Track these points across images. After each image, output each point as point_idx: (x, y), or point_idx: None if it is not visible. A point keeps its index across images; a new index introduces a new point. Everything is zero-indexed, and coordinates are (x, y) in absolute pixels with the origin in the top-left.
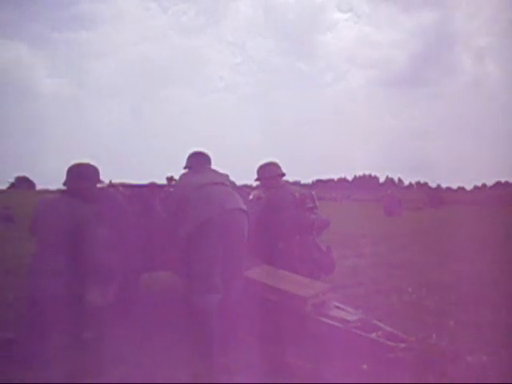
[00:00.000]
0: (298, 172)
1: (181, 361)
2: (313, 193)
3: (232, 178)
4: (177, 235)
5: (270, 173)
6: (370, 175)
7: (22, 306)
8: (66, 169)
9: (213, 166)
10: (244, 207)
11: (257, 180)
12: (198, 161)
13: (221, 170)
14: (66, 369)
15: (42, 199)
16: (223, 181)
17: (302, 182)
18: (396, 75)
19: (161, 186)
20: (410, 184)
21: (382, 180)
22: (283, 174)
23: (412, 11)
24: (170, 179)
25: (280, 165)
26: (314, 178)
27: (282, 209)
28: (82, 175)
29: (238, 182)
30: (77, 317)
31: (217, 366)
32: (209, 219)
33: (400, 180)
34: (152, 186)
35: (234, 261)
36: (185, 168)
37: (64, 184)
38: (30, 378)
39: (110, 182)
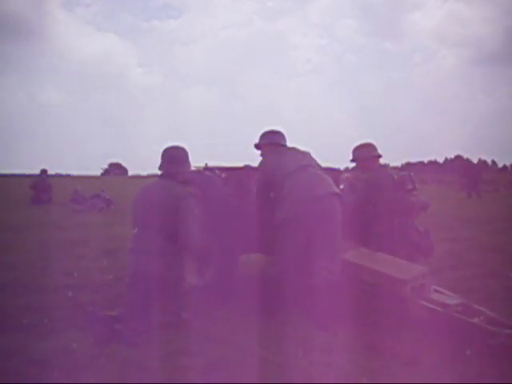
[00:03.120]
0: (386, 154)
1: (276, 341)
2: (412, 174)
3: (320, 162)
4: (270, 219)
5: (366, 154)
6: (461, 157)
7: (122, 286)
8: (156, 155)
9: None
10: (336, 190)
11: (352, 161)
12: (275, 139)
13: (301, 148)
14: (165, 347)
15: (143, 185)
16: (311, 163)
17: (392, 164)
18: (489, 53)
19: (255, 169)
20: (504, 166)
21: (474, 162)
22: (380, 156)
23: None
24: None
25: (376, 146)
26: (404, 161)
27: (380, 190)
28: (174, 158)
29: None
30: (176, 296)
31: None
32: (302, 207)
33: (494, 162)
34: (247, 168)
35: (329, 245)
36: (258, 146)
37: (159, 168)
38: (132, 356)
39: (206, 164)
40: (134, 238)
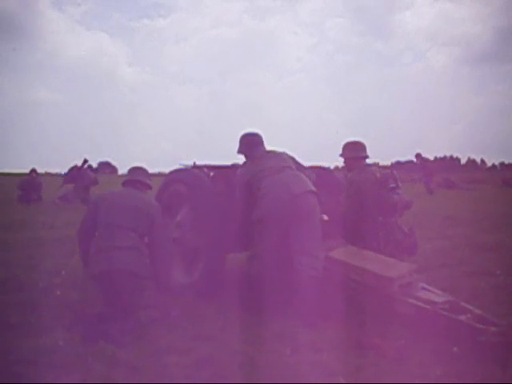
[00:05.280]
0: (376, 153)
1: (265, 339)
2: (395, 172)
3: (310, 161)
4: (249, 219)
5: (354, 153)
6: (451, 156)
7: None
8: (146, 154)
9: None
10: (313, 188)
11: (341, 156)
12: (254, 144)
13: (278, 149)
14: (152, 345)
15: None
16: (288, 164)
17: (381, 163)
18: (480, 52)
19: None
20: (494, 165)
21: (463, 161)
22: (367, 156)
23: None
24: None
25: (366, 146)
26: (393, 160)
27: (364, 190)
28: (138, 173)
29: (315, 164)
30: (161, 294)
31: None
32: (278, 206)
33: (483, 161)
34: (235, 166)
35: (309, 241)
36: (239, 152)
37: (123, 183)
38: (119, 355)
39: (195, 163)
40: (101, 237)
